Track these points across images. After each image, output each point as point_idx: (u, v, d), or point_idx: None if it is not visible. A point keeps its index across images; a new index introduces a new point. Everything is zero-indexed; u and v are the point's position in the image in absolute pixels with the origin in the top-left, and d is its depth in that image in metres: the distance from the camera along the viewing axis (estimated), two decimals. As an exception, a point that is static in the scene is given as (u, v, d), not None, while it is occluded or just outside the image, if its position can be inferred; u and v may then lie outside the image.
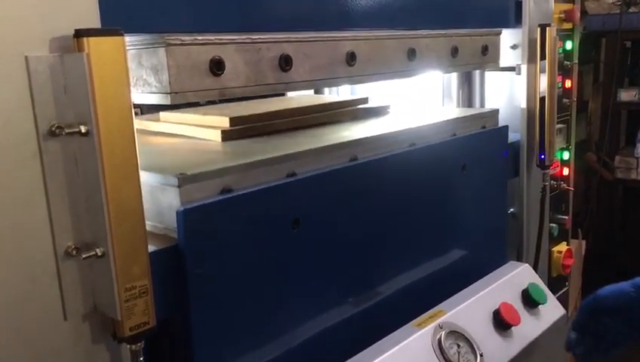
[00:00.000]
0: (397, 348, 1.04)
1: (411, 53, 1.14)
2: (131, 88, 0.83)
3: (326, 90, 1.75)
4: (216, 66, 0.83)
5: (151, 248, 0.73)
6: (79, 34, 0.63)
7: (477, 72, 1.54)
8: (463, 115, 1.32)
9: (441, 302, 1.20)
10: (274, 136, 1.13)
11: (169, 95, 0.79)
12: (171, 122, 1.24)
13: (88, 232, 0.68)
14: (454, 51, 1.25)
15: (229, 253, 0.83)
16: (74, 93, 0.65)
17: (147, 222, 0.71)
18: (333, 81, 1.02)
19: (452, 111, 1.43)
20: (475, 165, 1.29)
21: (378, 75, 1.09)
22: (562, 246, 1.70)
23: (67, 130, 0.65)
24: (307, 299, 0.97)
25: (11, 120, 0.62)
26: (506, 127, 1.40)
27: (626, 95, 3.56)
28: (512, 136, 1.47)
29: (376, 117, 1.35)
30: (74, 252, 0.68)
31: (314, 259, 0.97)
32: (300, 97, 1.61)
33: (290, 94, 1.73)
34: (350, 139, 1.05)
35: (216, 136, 1.09)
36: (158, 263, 0.74)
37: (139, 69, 0.83)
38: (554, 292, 1.45)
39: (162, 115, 1.29)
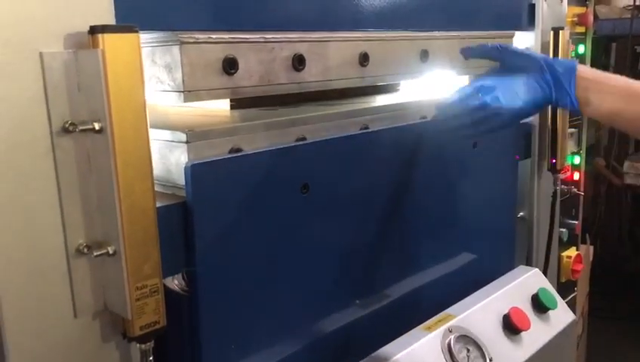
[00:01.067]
0: (406, 351, 1.03)
1: (424, 55, 1.13)
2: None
3: None
4: (230, 65, 0.83)
5: (158, 203, 0.71)
6: (94, 30, 0.63)
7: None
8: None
9: (450, 305, 1.19)
10: (284, 107, 1.08)
11: (182, 93, 0.79)
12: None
13: (100, 230, 0.68)
14: (467, 53, 1.24)
15: (237, 213, 0.81)
16: (88, 90, 0.64)
17: (154, 181, 0.70)
18: (346, 82, 1.01)
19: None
20: (486, 142, 1.24)
21: (390, 76, 1.09)
22: (572, 252, 1.68)
23: (81, 127, 0.64)
24: (315, 277, 0.94)
25: (25, 116, 0.62)
26: None
27: (635, 100, 3.52)
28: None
29: (386, 93, 1.31)
30: (85, 250, 0.67)
31: (322, 225, 0.94)
32: None
33: None
34: (361, 107, 1.02)
35: (224, 104, 1.03)
36: (166, 219, 0.73)
37: (152, 67, 0.82)
38: (562, 297, 1.43)
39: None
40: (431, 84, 1.36)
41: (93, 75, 0.63)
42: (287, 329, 0.92)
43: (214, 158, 0.78)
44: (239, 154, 0.81)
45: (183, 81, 0.78)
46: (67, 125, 0.64)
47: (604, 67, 3.76)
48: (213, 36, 0.81)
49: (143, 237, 0.68)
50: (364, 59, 1.02)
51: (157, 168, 0.76)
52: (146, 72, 0.82)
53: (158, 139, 0.79)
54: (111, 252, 0.67)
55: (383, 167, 1.03)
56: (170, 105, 1.17)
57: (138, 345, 0.71)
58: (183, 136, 0.77)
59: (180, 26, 0.78)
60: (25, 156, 0.62)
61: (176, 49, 0.78)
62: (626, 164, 3.61)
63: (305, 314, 0.94)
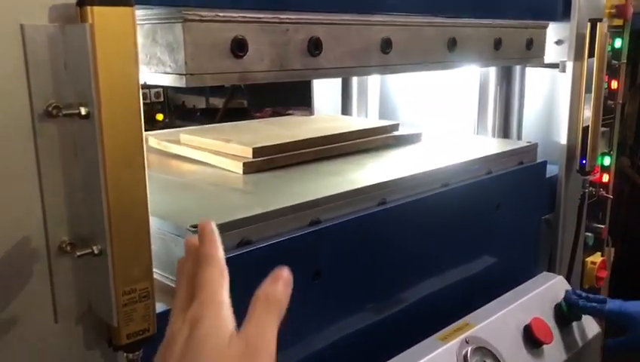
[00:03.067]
0: (420, 362, 0.96)
1: (452, 43, 1.04)
2: (144, 67, 0.76)
3: (353, 109, 1.66)
4: (238, 47, 0.75)
5: (159, 306, 0.65)
6: (83, 2, 0.55)
7: (517, 68, 1.43)
8: (500, 150, 1.25)
9: (468, 313, 1.11)
10: (298, 169, 1.08)
11: (184, 77, 0.71)
12: (192, 146, 1.18)
13: (85, 227, 0.61)
14: (497, 43, 1.15)
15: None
16: (75, 69, 0.57)
17: (156, 271, 0.65)
18: (366, 70, 0.93)
19: (488, 144, 1.36)
20: (510, 203, 1.24)
21: (414, 66, 1.00)
22: (597, 257, 1.60)
23: (65, 111, 0.57)
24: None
25: (3, 96, 0.55)
26: (544, 163, 1.33)
27: (664, 98, 3.40)
28: (550, 170, 1.38)
29: (407, 145, 1.29)
30: (68, 248, 0.60)
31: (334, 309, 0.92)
32: (324, 119, 1.52)
33: (315, 115, 1.65)
34: (379, 181, 0.98)
35: (237, 167, 1.05)
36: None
37: (153, 46, 0.75)
38: (586, 306, 1.35)
39: (183, 137, 1.23)
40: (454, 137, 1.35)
41: (81, 52, 0.55)
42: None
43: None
44: (248, 248, 0.77)
45: (186, 62, 0.71)
46: (51, 108, 0.57)
47: (635, 63, 3.63)
48: (221, 14, 0.73)
49: (132, 235, 0.61)
50: (386, 45, 0.93)
51: (160, 259, 0.72)
52: (146, 51, 0.75)
53: (161, 230, 0.76)
54: (96, 251, 0.60)
55: (401, 237, 1.01)
56: (178, 152, 1.19)
57: (125, 354, 0.64)
58: (189, 233, 0.72)
59: (184, 2, 0.70)
60: (1, 140, 0.55)
61: (178, 27, 0.70)
62: (652, 164, 3.49)
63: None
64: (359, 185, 0.95)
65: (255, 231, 0.79)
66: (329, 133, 1.20)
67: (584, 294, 1.21)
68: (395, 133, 1.31)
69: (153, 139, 1.27)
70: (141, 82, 0.63)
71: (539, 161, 1.32)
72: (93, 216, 0.60)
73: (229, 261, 0.72)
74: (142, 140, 0.60)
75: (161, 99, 3.15)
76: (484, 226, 1.20)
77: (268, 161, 1.06)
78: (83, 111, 0.57)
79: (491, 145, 1.33)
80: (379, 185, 0.97)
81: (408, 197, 1.01)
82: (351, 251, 0.92)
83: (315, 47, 0.83)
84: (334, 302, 0.91)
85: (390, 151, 1.24)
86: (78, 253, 0.60)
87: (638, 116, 3.42)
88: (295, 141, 1.13)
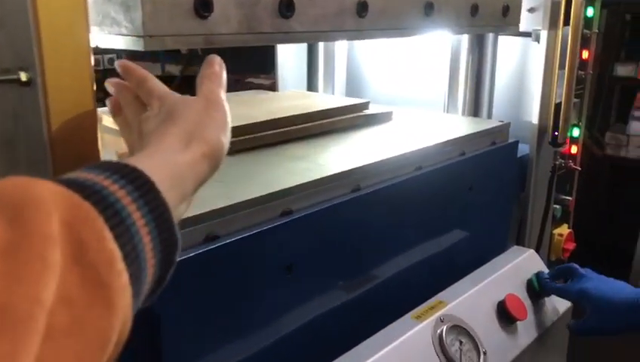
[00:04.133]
0: (394, 344, 0.92)
1: (429, 8, 0.98)
2: (95, 28, 0.67)
3: (320, 82, 1.58)
4: (203, 6, 0.67)
5: None
6: (20, -54, 0.47)
7: (490, 37, 1.39)
8: (473, 130, 1.22)
9: (441, 290, 1.08)
10: (263, 153, 1.01)
11: (142, 39, 0.63)
12: None
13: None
14: (474, 10, 1.10)
15: (209, 311, 0.71)
16: (12, 28, 0.49)
17: None
18: (340, 34, 0.86)
19: (460, 123, 1.33)
20: (483, 184, 1.21)
21: (390, 31, 0.94)
22: (564, 229, 1.59)
23: (2, 77, 0.49)
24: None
25: None
26: (516, 143, 1.31)
27: (622, 69, 3.45)
28: (521, 149, 1.37)
29: (378, 124, 1.24)
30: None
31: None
32: (290, 96, 1.43)
33: (280, 92, 1.57)
34: (353, 167, 0.93)
35: None
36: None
37: (106, 4, 0.66)
38: (552, 277, 1.34)
39: None
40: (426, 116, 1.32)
41: (19, 7, 0.47)
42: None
43: (185, 256, 0.66)
44: (215, 245, 0.70)
45: (144, 23, 0.62)
46: (-16, 73, 0.49)
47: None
48: (183, -32, 0.65)
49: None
50: (362, 8, 0.86)
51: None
52: (98, 9, 0.66)
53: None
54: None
55: (375, 222, 0.97)
56: None
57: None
58: None
59: (141, -47, 0.62)
60: None
61: (135, -18, 0.62)
62: (608, 134, 3.55)
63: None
64: (332, 172, 0.89)
65: (222, 226, 0.72)
66: (297, 113, 1.12)
67: (553, 272, 1.20)
68: (366, 111, 1.25)
69: (108, 118, 1.17)
70: (93, 45, 0.55)
71: (511, 140, 1.29)
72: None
73: (195, 259, 0.66)
74: (95, 111, 0.52)
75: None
76: (458, 207, 1.17)
77: (232, 144, 0.98)
78: (23, 77, 0.49)
79: (464, 125, 1.29)
80: (352, 171, 0.92)
81: (382, 183, 0.96)
82: (325, 241, 0.87)
83: (286, 7, 0.76)
84: (308, 294, 0.87)
85: (360, 131, 1.18)
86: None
87: (595, 88, 3.46)
88: (262, 122, 1.05)
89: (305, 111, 1.15)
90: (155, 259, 0.42)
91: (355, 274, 0.96)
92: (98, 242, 0.36)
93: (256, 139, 1.03)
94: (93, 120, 0.52)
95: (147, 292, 0.43)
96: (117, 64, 0.61)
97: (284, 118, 1.10)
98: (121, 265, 0.37)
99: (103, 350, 0.36)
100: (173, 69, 4.68)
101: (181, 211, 0.49)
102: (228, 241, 0.71)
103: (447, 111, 1.47)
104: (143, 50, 0.63)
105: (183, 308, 0.67)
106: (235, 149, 0.99)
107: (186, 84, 4.01)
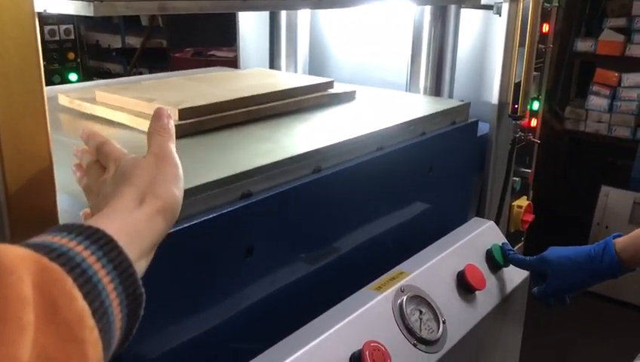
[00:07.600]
0: (354, 315, 0.92)
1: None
2: (43, -8, 0.64)
3: (282, 61, 1.56)
4: (156, -29, 0.65)
5: None
6: None
7: (452, 8, 1.39)
8: (433, 110, 1.22)
9: (401, 261, 1.09)
10: (226, 133, 0.99)
11: (92, 3, 0.61)
12: (110, 106, 1.05)
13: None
14: (436, -20, 1.09)
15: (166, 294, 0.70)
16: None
17: None
18: (300, 2, 0.85)
19: (421, 102, 1.33)
20: (443, 163, 1.22)
21: (351, 0, 0.93)
22: (523, 201, 1.62)
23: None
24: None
25: None
26: (475, 122, 1.32)
27: (582, 45, 3.50)
28: (482, 128, 1.38)
29: (341, 104, 1.23)
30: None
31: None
32: (254, 74, 1.40)
33: (243, 70, 1.53)
34: (314, 148, 0.92)
35: None
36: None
37: (53, -33, 0.63)
38: (511, 248, 1.37)
39: (99, 94, 1.08)
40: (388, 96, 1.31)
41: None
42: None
43: None
44: (173, 229, 0.67)
45: (93, -14, 0.60)
46: None
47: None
48: None
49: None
50: (322, -24, 0.85)
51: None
52: (44, -27, 0.64)
53: (73, 210, 0.67)
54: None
55: (336, 204, 0.97)
56: (94, 113, 1.06)
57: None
58: None
59: None
60: None
61: (83, -58, 0.59)
62: (568, 109, 3.62)
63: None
64: (293, 153, 0.88)
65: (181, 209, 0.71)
66: (262, 92, 1.11)
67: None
68: (330, 90, 1.24)
69: (64, 97, 1.12)
70: (39, 10, 0.53)
71: (471, 120, 1.30)
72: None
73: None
74: (41, 80, 0.50)
75: (72, 36, 2.89)
76: (418, 185, 1.18)
77: (196, 123, 0.96)
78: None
79: (425, 105, 1.29)
80: (313, 152, 0.91)
81: (343, 163, 0.96)
82: (285, 223, 0.86)
83: (244, -26, 0.74)
84: (268, 277, 0.87)
85: (323, 111, 1.17)
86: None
87: (556, 63, 3.51)
88: (225, 101, 1.03)
89: (270, 90, 1.13)
90: (122, 313, 0.44)
91: (317, 251, 0.96)
92: (68, 301, 0.38)
93: (221, 118, 1.01)
94: (39, 92, 0.50)
95: (116, 345, 0.44)
96: (81, 133, 0.65)
97: (250, 97, 1.08)
98: (91, 321, 0.39)
99: None
100: (134, 41, 4.57)
101: (141, 267, 0.50)
102: (187, 225, 0.70)
103: (410, 89, 1.47)
104: (92, 15, 0.60)
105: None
106: (200, 129, 0.97)
107: (146, 56, 3.93)
